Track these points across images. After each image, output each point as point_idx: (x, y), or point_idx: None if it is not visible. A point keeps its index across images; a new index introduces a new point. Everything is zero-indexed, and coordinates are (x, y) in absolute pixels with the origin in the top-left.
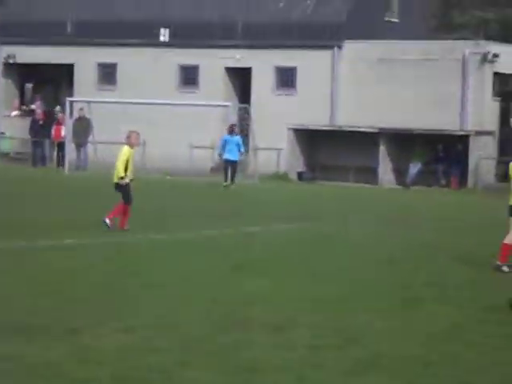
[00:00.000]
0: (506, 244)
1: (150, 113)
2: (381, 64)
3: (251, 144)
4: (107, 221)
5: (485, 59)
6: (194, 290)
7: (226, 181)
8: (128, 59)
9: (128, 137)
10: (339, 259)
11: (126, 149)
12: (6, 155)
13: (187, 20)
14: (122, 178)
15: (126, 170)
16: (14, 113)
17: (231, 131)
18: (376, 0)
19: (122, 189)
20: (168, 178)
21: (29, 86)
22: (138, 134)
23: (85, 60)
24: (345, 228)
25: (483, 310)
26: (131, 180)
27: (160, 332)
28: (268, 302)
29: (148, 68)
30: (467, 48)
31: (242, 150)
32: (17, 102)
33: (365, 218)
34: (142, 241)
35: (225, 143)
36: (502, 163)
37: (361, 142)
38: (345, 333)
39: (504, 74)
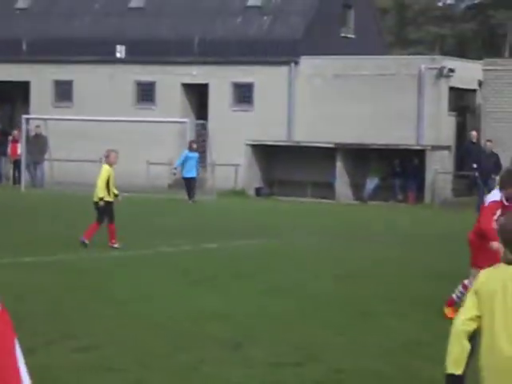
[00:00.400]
0: None
1: (106, 130)
2: (337, 79)
3: (209, 160)
4: (85, 241)
5: (440, 74)
6: (152, 307)
7: (190, 198)
8: (84, 76)
9: (107, 156)
10: (297, 274)
11: (106, 168)
12: None
13: (143, 37)
14: (101, 198)
15: (107, 188)
16: None
17: (191, 147)
18: (332, 16)
19: (101, 208)
20: (125, 194)
21: None
22: (116, 152)
23: (40, 77)
24: (302, 243)
25: (443, 324)
26: (116, 196)
27: (119, 350)
28: (227, 318)
29: (104, 85)
30: (423, 63)
31: (198, 167)
32: None
33: (322, 234)
34: (101, 258)
35: (185, 159)
36: (458, 178)
37: (318, 157)
38: (303, 349)
39: (460, 89)
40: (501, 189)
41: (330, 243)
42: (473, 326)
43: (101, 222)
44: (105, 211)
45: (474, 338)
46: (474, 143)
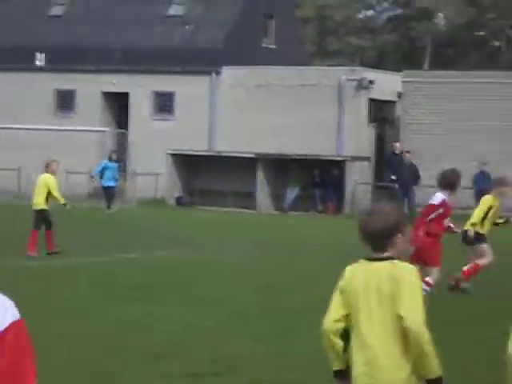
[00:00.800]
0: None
1: (25, 138)
2: (259, 89)
3: (129, 169)
4: (51, 251)
5: (360, 86)
6: (72, 319)
7: (109, 207)
8: (3, 84)
9: (48, 166)
10: (217, 286)
11: (51, 178)
12: None
13: (63, 44)
14: (64, 204)
15: (47, 197)
16: None
17: (110, 158)
18: (253, 27)
19: (45, 216)
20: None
21: None
22: (57, 162)
23: None
24: (222, 254)
25: None
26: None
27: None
28: (145, 330)
29: (24, 93)
30: (343, 74)
31: (117, 177)
32: None
33: (243, 244)
34: (19, 268)
35: (104, 168)
36: (377, 188)
37: (239, 167)
38: (223, 360)
39: (379, 101)
40: (444, 189)
41: (254, 254)
42: (340, 325)
43: (51, 227)
44: (43, 218)
45: (347, 333)
46: (396, 154)
